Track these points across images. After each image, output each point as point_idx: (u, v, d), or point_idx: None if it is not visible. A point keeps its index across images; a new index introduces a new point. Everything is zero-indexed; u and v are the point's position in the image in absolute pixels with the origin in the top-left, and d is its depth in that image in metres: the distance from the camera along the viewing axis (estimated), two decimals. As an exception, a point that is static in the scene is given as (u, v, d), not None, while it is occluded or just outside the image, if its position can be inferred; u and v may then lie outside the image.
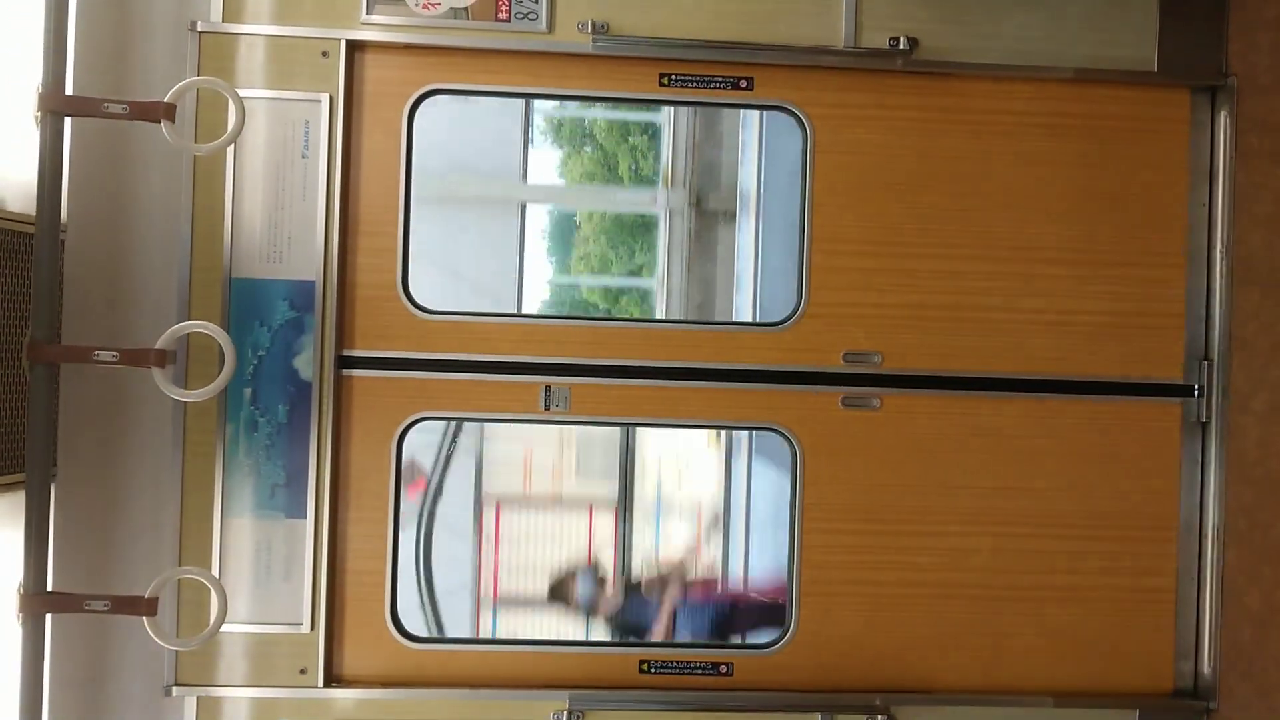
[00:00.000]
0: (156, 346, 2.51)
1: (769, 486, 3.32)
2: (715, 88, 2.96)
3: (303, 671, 2.81)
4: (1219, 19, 3.00)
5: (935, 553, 2.99)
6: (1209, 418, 3.01)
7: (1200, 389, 3.02)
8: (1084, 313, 3.01)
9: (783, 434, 2.98)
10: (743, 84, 2.96)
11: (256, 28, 2.79)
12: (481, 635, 3.36)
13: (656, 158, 3.88)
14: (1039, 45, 2.96)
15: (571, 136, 3.85)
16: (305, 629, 2.81)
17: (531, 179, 3.83)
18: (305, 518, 2.81)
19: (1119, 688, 3.01)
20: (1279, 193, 2.83)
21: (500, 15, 2.85)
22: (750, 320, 3.74)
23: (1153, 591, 3.02)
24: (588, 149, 3.86)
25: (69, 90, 2.56)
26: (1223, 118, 3.01)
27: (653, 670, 2.95)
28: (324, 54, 2.81)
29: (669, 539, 3.61)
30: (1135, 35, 2.98)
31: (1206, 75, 3.01)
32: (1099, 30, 2.97)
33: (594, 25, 2.86)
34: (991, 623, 2.99)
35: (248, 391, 2.79)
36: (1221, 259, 3.00)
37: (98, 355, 2.49)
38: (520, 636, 3.47)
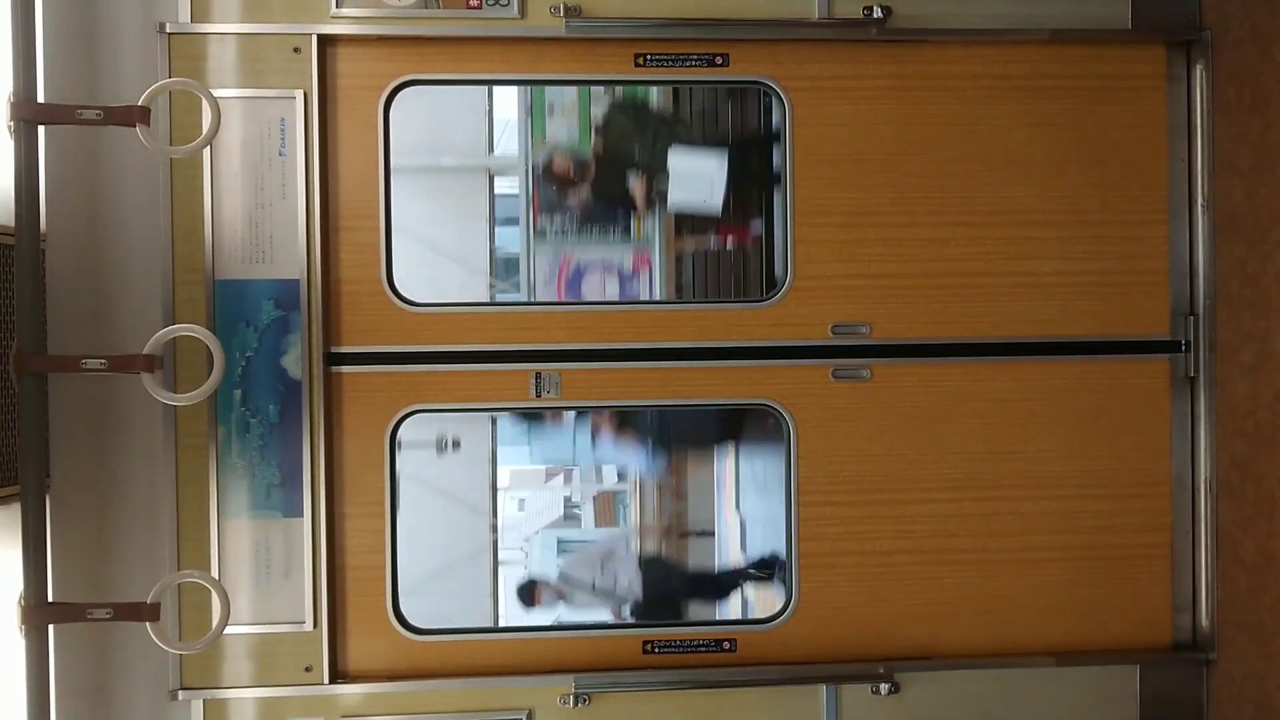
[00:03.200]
0: (144, 352, 2.50)
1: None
2: (691, 66, 2.95)
3: (308, 669, 2.82)
4: (1190, -27, 3.01)
5: (931, 519, 3.00)
6: (1197, 372, 3.02)
7: (1187, 344, 3.03)
8: (1069, 273, 3.02)
9: (775, 409, 2.98)
10: (718, 61, 2.95)
11: (226, 26, 2.77)
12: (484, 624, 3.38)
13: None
14: (1012, 8, 2.96)
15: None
16: (308, 627, 2.81)
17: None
18: (302, 516, 2.81)
19: (1119, 644, 3.03)
20: (1258, 144, 2.83)
21: (471, 2, 2.83)
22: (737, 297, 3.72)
23: (1148, 547, 3.05)
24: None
25: (41, 98, 2.54)
26: (1199, 72, 3.01)
27: (656, 650, 2.96)
28: (296, 50, 2.79)
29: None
30: (1108, -7, 2.98)
31: (1180, 30, 3.01)
32: (1072, -10, 2.97)
33: (566, 8, 2.84)
34: (990, 586, 3.01)
35: (238, 393, 2.79)
36: (1203, 213, 3.01)
37: (85, 363, 2.48)
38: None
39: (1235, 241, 2.92)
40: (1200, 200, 3.01)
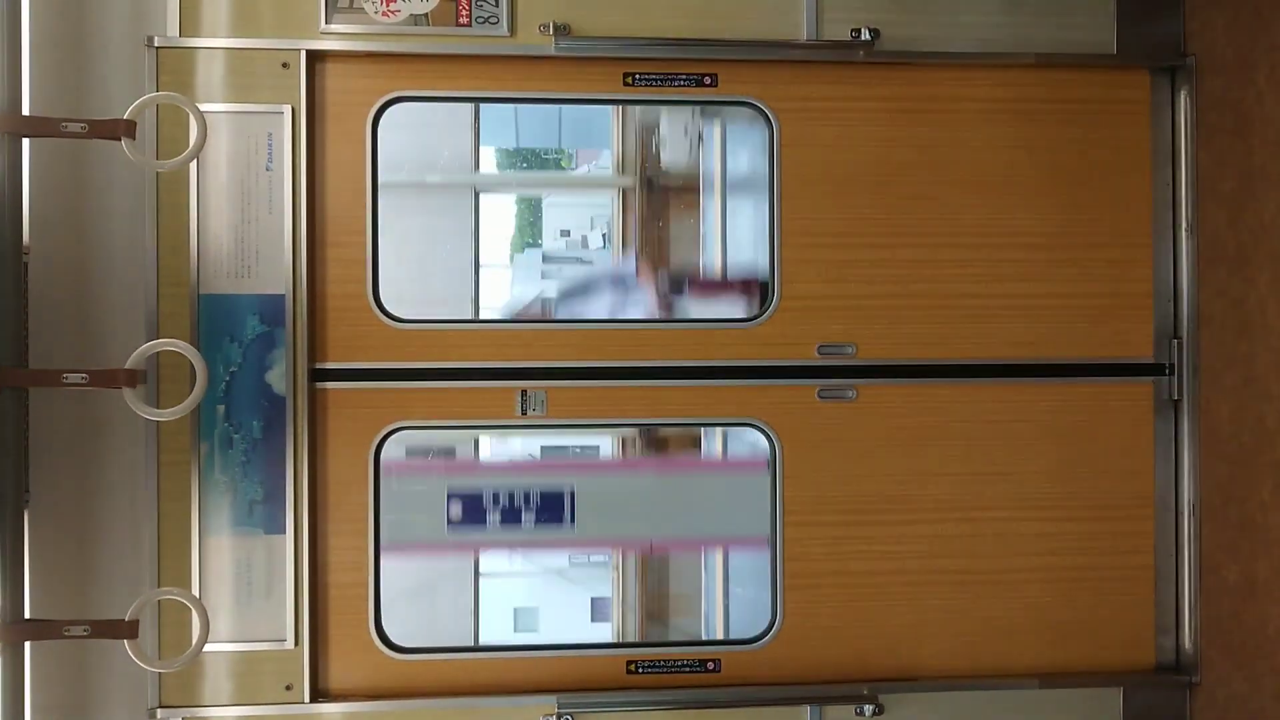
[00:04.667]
0: (126, 366, 2.49)
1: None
2: (680, 86, 2.96)
3: (288, 688, 2.79)
4: (1175, 0, 3.03)
5: (916, 540, 3.00)
6: (1181, 395, 3.04)
7: (1171, 367, 3.05)
8: (1054, 296, 3.04)
9: (760, 428, 2.98)
10: (707, 81, 2.96)
11: (214, 41, 2.77)
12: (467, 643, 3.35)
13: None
14: (999, 32, 2.98)
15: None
16: (289, 645, 2.79)
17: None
18: (285, 533, 2.79)
19: (1103, 666, 3.03)
20: (1241, 170, 2.85)
21: (461, 20, 2.84)
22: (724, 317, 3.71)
23: (1132, 569, 3.05)
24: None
25: (25, 110, 2.54)
26: (1182, 97, 3.04)
27: (641, 670, 2.95)
28: (284, 65, 2.79)
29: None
30: (1093, 19, 3.01)
31: (1164, 56, 3.03)
32: (1058, 15, 2.99)
33: (555, 27, 2.85)
34: (975, 607, 3.01)
35: (221, 408, 2.77)
36: (1187, 237, 3.03)
37: (66, 378, 2.47)
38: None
39: (1219, 266, 2.94)
40: (1184, 224, 3.04)
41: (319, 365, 2.85)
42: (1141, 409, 3.05)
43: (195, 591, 2.73)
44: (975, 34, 2.97)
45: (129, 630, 2.47)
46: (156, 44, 2.74)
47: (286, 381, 2.78)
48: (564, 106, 3.26)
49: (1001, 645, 3.01)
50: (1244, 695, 2.83)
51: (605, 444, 3.46)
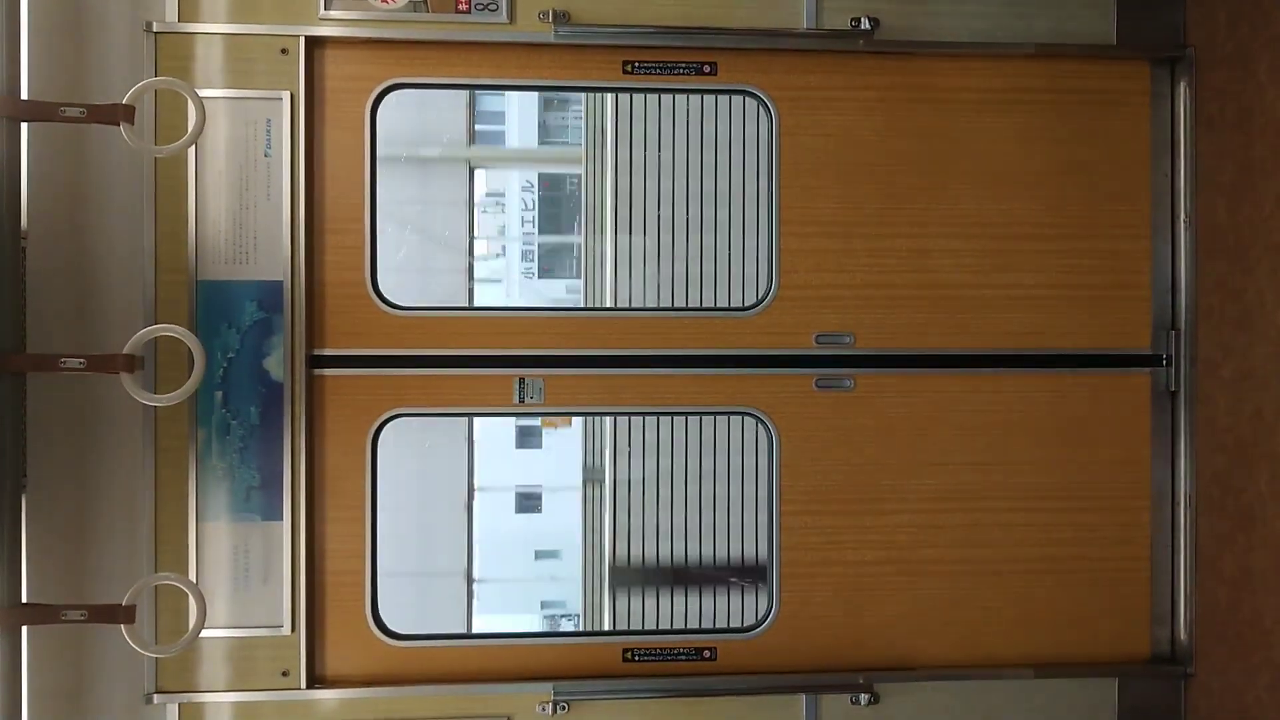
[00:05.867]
0: (124, 352, 2.49)
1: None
2: (679, 74, 2.96)
3: (285, 674, 2.80)
4: (1175, -9, 3.04)
5: (913, 530, 3.01)
6: (1178, 386, 3.04)
7: (1169, 358, 3.05)
8: (1052, 286, 3.04)
9: (758, 418, 2.98)
10: (706, 69, 2.96)
11: (213, 26, 2.76)
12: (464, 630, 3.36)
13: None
14: (999, 22, 2.98)
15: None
16: (286, 631, 2.79)
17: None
18: (282, 519, 2.79)
19: (1098, 657, 3.04)
20: (1240, 161, 2.85)
21: (460, 7, 2.83)
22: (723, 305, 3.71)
23: (1128, 560, 3.06)
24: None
25: (24, 95, 2.53)
26: (1182, 88, 3.04)
27: (637, 658, 2.95)
28: (283, 51, 2.79)
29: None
30: (1093, 9, 3.01)
31: (1164, 47, 3.03)
32: (1057, 5, 2.99)
33: (555, 14, 2.85)
34: (971, 597, 3.01)
35: (219, 394, 2.77)
36: (1185, 228, 3.03)
37: (64, 363, 2.47)
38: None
39: (1217, 257, 2.94)
40: (1183, 216, 3.04)
41: (317, 352, 2.85)
42: (1139, 400, 3.06)
43: (192, 577, 2.74)
44: (975, 24, 2.97)
45: (126, 615, 2.47)
46: (155, 29, 2.74)
47: (284, 368, 2.79)
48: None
49: (997, 635, 3.02)
50: (1239, 686, 2.84)
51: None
